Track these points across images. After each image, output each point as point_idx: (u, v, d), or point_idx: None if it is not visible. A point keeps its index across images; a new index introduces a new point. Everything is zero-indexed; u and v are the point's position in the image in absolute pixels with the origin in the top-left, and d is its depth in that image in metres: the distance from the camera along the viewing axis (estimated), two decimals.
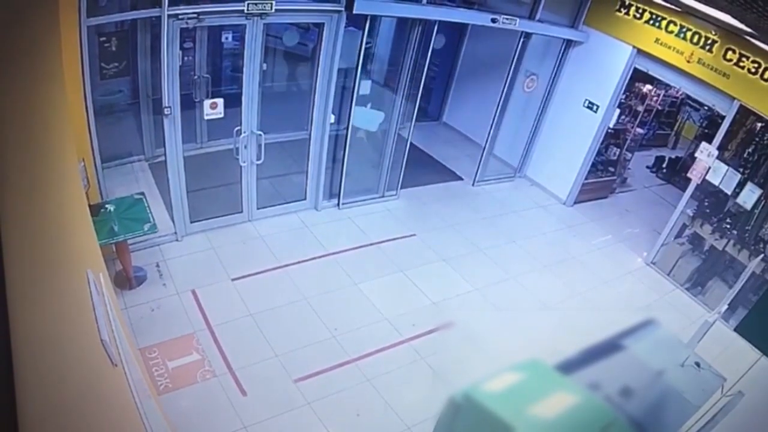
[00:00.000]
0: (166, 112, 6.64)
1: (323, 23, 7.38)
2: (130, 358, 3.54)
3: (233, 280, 7.16)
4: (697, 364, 4.55)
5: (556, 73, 10.15)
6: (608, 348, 4.66)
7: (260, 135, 7.51)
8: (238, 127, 7.37)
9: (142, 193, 6.92)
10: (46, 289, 2.13)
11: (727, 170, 8.12)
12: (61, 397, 2.00)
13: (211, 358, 6.08)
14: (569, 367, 4.64)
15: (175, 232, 7.55)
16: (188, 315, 6.55)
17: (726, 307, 5.50)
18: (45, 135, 2.40)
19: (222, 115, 7.20)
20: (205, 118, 7.30)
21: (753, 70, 7.55)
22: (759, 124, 8.27)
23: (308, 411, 5.75)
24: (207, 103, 7.12)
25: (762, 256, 7.79)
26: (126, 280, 6.72)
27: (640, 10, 8.75)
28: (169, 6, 6.14)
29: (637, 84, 10.88)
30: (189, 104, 7.96)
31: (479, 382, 3.88)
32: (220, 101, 7.12)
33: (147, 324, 6.33)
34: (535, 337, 7.17)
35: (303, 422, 5.64)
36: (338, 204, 8.96)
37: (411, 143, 9.17)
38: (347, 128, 8.33)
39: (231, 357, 6.14)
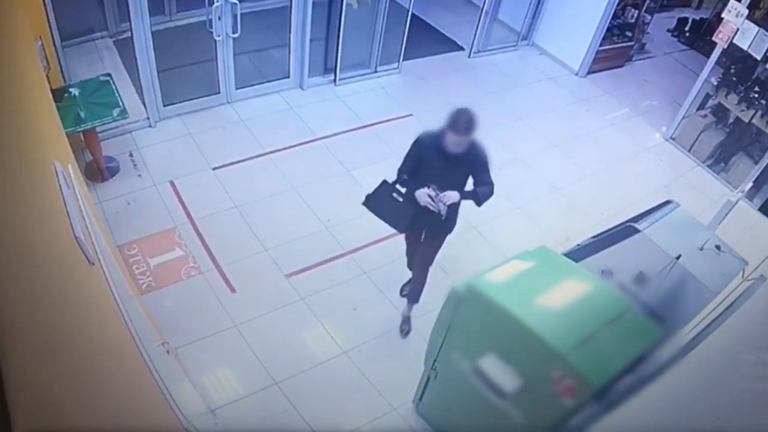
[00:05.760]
0: None
1: None
2: (108, 256, 3.59)
3: (214, 169, 7.15)
4: (718, 248, 4.61)
5: None
6: (622, 232, 4.72)
7: (235, 4, 7.23)
8: None
9: (109, 75, 6.76)
10: (9, 184, 2.11)
11: (758, 32, 7.90)
12: (36, 300, 2.04)
13: (195, 254, 6.18)
14: (580, 253, 4.72)
15: (148, 118, 7.45)
16: (168, 208, 6.60)
17: (750, 185, 5.55)
18: None
19: None
20: None
21: None
22: None
23: (302, 307, 5.90)
24: None
25: None
26: (97, 171, 6.71)
27: None
28: None
29: None
30: None
31: (483, 272, 3.94)
32: None
33: (124, 219, 6.39)
34: (544, 223, 7.29)
35: (297, 319, 5.81)
36: (335, 80, 8.79)
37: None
38: None
39: (217, 252, 6.23)
